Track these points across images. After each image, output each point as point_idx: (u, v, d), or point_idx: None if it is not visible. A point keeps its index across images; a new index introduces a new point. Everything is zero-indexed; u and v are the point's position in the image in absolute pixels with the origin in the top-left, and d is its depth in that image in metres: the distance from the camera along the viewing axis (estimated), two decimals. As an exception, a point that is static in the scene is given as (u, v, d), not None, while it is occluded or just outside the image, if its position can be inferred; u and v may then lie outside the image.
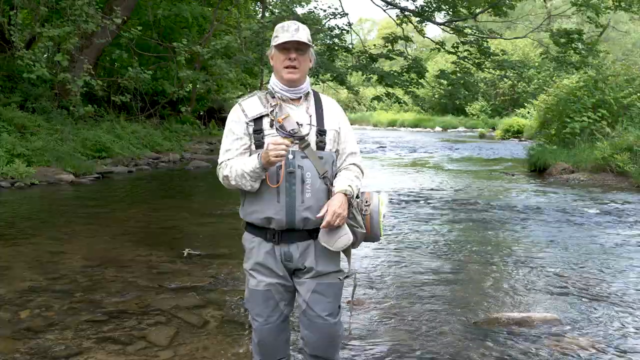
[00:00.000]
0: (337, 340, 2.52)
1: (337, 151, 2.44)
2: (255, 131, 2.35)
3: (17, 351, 3.20)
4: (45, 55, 11.41)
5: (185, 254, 5.35)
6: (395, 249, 5.85)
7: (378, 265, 5.22)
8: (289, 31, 2.32)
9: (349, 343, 3.40)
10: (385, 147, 22.21)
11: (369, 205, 2.40)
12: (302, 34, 2.33)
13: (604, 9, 16.37)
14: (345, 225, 2.31)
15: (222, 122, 23.42)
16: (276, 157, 2.19)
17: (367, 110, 45.69)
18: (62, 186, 9.88)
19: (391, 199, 9.08)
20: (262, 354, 2.53)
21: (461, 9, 18.65)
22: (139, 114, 16.97)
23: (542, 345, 3.43)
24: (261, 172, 2.27)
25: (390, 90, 19.53)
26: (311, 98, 2.45)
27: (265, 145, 2.30)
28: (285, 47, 2.33)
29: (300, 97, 2.42)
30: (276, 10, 18.82)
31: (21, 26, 10.45)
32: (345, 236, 2.30)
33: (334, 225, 2.28)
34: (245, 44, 13.58)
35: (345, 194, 2.32)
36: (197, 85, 17.02)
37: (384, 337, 3.53)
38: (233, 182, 2.35)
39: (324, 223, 2.27)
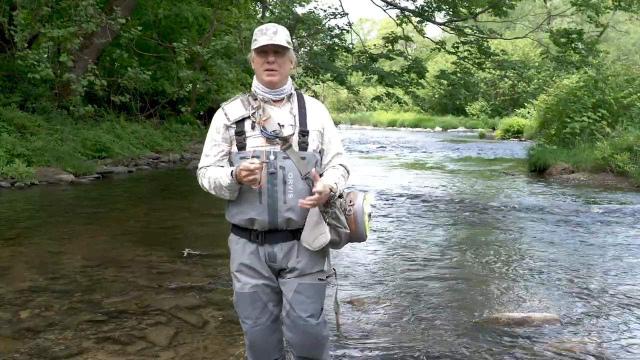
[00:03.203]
0: (321, 341, 2.49)
1: (321, 151, 2.44)
2: (237, 133, 2.37)
3: (17, 351, 3.20)
4: (46, 56, 11.41)
5: (185, 254, 5.35)
6: (394, 249, 5.85)
7: (377, 265, 5.22)
8: (267, 34, 2.33)
9: (348, 343, 3.40)
10: (385, 147, 22.22)
11: (352, 205, 2.39)
12: (281, 36, 2.33)
13: (603, 9, 16.38)
14: (325, 225, 2.31)
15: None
16: (250, 182, 2.22)
17: (367, 110, 45.68)
18: (62, 186, 9.89)
19: (390, 198, 9.09)
20: (255, 357, 2.53)
21: (461, 9, 18.64)
22: (139, 114, 16.96)
23: (542, 345, 3.43)
24: (238, 186, 2.30)
25: (390, 90, 19.52)
26: (294, 99, 2.45)
27: (246, 153, 2.32)
28: (263, 50, 2.34)
29: (283, 99, 2.43)
30: (276, 10, 18.81)
31: (22, 26, 10.45)
32: (323, 235, 2.30)
33: (320, 198, 2.24)
34: (245, 44, 13.55)
35: (331, 189, 2.31)
36: (197, 85, 17.01)
37: (384, 337, 3.53)
38: (213, 192, 2.40)
39: (310, 197, 2.24)
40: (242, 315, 2.48)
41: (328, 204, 2.33)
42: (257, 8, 22.54)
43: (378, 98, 20.21)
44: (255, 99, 2.40)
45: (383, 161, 16.71)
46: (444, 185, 11.17)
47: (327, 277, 2.44)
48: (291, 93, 2.46)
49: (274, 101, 2.41)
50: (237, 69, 14.14)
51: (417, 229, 6.94)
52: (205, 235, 6.28)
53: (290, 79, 2.47)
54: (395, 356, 3.25)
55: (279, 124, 2.34)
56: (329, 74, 18.31)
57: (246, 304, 2.44)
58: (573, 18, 22.52)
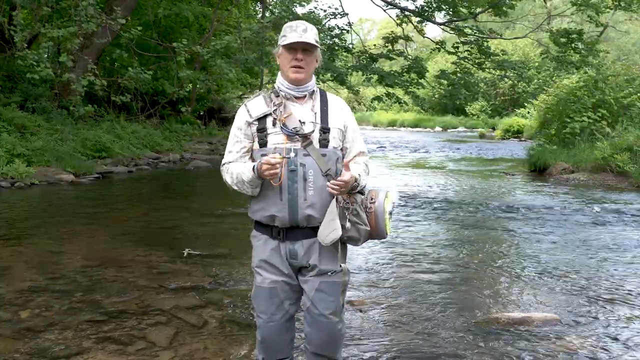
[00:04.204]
0: (339, 339, 2.54)
1: (342, 149, 2.45)
2: (258, 130, 2.39)
3: (17, 351, 3.20)
4: (46, 56, 11.41)
5: (185, 254, 5.35)
6: (395, 249, 5.84)
7: (378, 265, 5.22)
8: (297, 31, 2.35)
9: (349, 343, 3.39)
10: (385, 147, 22.21)
11: (374, 203, 2.40)
12: (310, 34, 2.36)
13: (603, 8, 16.38)
14: (337, 221, 2.31)
15: (222, 122, 23.54)
16: (270, 176, 2.25)
17: (367, 110, 45.69)
18: (62, 186, 9.88)
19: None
20: (265, 353, 2.54)
21: (461, 8, 18.64)
22: (139, 114, 16.96)
23: (542, 345, 3.43)
24: (259, 181, 2.33)
25: (390, 90, 19.53)
26: (317, 96, 2.47)
27: (267, 149, 2.35)
28: (292, 47, 2.36)
29: (305, 96, 2.44)
30: (276, 10, 18.81)
31: (22, 26, 10.44)
32: (334, 232, 2.31)
33: (345, 186, 2.27)
34: (245, 44, 13.55)
35: (355, 179, 2.35)
36: (197, 85, 17.01)
37: (384, 337, 3.53)
38: (235, 187, 2.42)
39: (338, 180, 2.28)
40: (258, 310, 2.50)
41: (350, 196, 2.35)
42: (257, 8, 22.55)
43: (378, 98, 20.22)
44: (278, 96, 2.42)
45: (383, 161, 16.70)
46: (443, 185, 11.16)
47: (333, 272, 2.44)
48: (314, 90, 2.47)
49: (296, 98, 2.42)
50: (237, 69, 14.14)
51: (416, 228, 6.94)
52: (205, 235, 6.27)
53: (314, 77, 2.48)
54: (395, 356, 3.25)
55: (300, 121, 2.36)
56: (329, 74, 18.30)
57: (264, 298, 2.46)
58: (573, 18, 22.53)
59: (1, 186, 9.24)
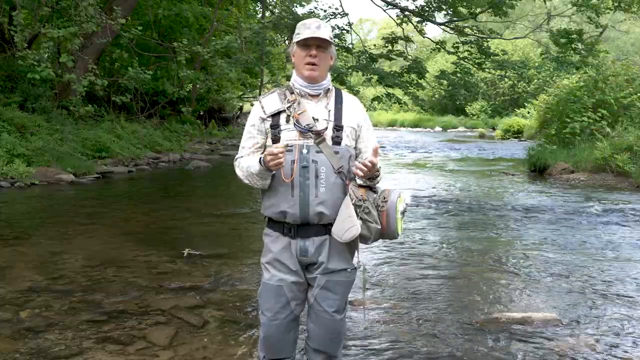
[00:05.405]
0: (340, 336, 2.55)
1: (355, 148, 2.47)
2: (272, 126, 2.41)
3: (17, 351, 3.20)
4: (46, 56, 11.40)
5: (185, 254, 5.35)
6: (394, 248, 5.84)
7: (378, 265, 5.22)
8: (311, 28, 2.36)
9: (349, 342, 3.40)
10: (385, 147, 22.21)
11: (386, 202, 2.39)
12: (324, 31, 2.37)
13: (603, 9, 16.39)
14: (355, 218, 2.32)
15: (222, 122, 23.53)
16: (275, 166, 2.25)
17: (367, 110, 45.64)
18: (62, 186, 9.88)
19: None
20: (266, 351, 2.55)
21: (461, 8, 18.65)
22: (139, 114, 16.96)
23: (542, 345, 3.43)
24: (267, 173, 2.34)
25: (390, 90, 19.53)
26: (332, 94, 2.48)
27: (273, 144, 2.37)
28: (306, 43, 2.37)
29: (320, 94, 2.45)
30: (276, 10, 18.83)
31: (22, 26, 10.43)
32: (354, 228, 2.31)
33: (372, 169, 2.32)
34: (245, 44, 13.56)
35: (379, 168, 2.40)
36: (197, 85, 17.01)
37: (384, 337, 3.53)
38: (246, 181, 2.44)
39: (368, 161, 2.31)
40: (263, 307, 2.50)
41: (365, 191, 2.38)
42: (257, 8, 22.56)
43: (378, 99, 20.22)
44: (292, 93, 2.43)
45: (382, 161, 16.68)
46: (443, 185, 11.16)
47: (352, 269, 2.47)
48: (329, 88, 2.48)
49: (310, 95, 2.44)
50: (237, 69, 14.14)
51: (416, 228, 6.93)
52: (205, 235, 6.27)
53: (329, 75, 2.50)
54: (395, 356, 3.25)
55: (313, 117, 2.37)
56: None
57: (270, 296, 2.46)
58: (572, 18, 22.53)
59: (1, 186, 9.24)
